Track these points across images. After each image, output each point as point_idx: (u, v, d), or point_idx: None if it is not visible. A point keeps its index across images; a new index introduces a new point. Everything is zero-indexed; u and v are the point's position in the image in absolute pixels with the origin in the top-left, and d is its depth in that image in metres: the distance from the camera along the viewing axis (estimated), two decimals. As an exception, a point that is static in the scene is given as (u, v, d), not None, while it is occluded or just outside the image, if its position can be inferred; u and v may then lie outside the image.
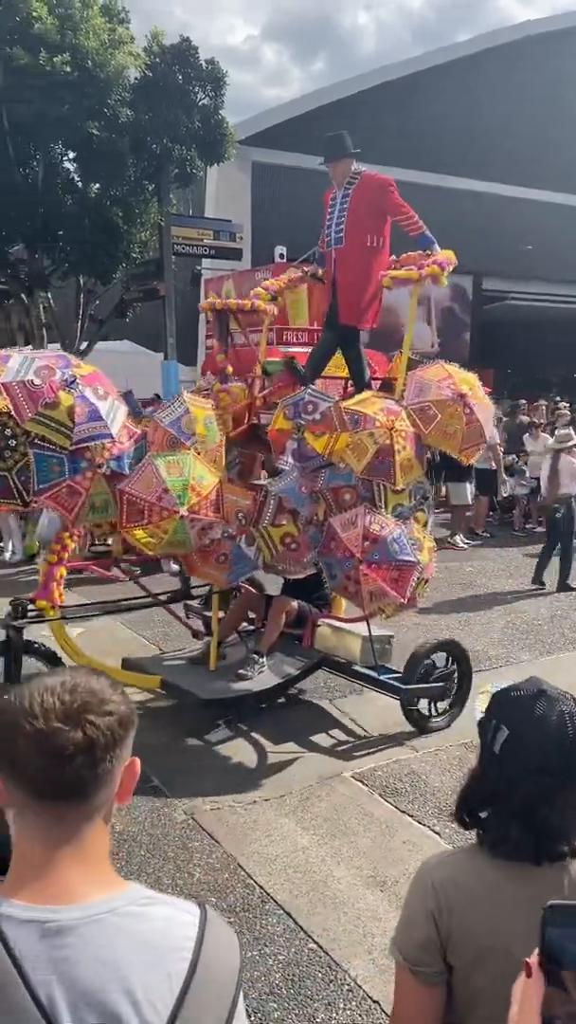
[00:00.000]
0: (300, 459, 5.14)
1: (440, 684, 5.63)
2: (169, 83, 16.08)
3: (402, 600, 4.84)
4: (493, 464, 12.28)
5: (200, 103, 16.64)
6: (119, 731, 1.16)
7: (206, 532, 4.94)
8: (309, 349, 20.41)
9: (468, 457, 5.25)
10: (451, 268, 5.42)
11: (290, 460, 5.20)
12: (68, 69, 14.49)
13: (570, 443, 9.66)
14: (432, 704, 5.65)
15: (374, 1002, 3.17)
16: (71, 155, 16.31)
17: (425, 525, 5.22)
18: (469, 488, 12.10)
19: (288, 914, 3.70)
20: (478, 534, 12.43)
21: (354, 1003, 3.18)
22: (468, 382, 5.20)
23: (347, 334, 5.95)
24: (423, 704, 5.61)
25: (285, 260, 19.80)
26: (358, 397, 5.24)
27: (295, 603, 5.94)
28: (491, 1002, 1.39)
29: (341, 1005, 3.17)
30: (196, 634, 6.42)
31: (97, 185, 16.60)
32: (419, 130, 25.41)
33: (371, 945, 3.49)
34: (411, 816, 4.54)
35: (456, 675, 5.71)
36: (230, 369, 6.33)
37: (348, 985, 3.26)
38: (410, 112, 25.34)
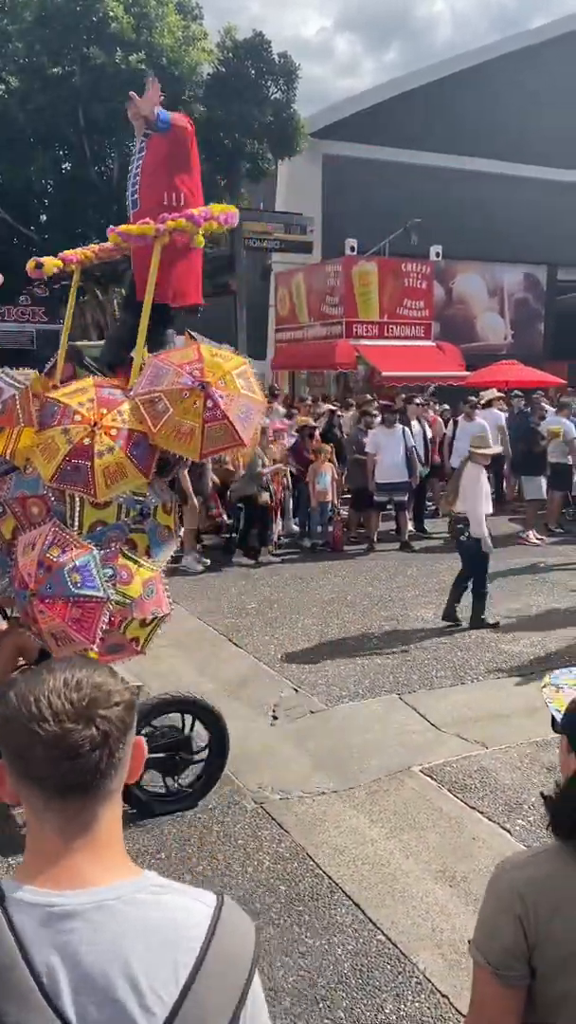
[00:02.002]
0: None
1: (165, 754, 4.41)
2: (242, 78, 16.19)
3: (87, 644, 3.72)
4: (570, 458, 12.01)
5: (272, 97, 16.73)
6: (127, 718, 1.18)
7: None
8: (380, 343, 20.29)
9: (223, 458, 4.13)
10: (218, 225, 4.23)
11: None
12: (143, 67, 14.71)
13: (484, 449, 7.88)
14: (166, 779, 4.47)
15: (442, 996, 3.16)
16: (145, 152, 16.53)
17: (148, 551, 4.06)
18: (543, 483, 11.87)
19: (357, 905, 3.72)
20: (552, 530, 12.19)
21: (423, 996, 3.17)
22: (220, 368, 4.00)
23: (152, 313, 4.46)
24: (153, 778, 4.43)
25: (356, 253, 19.74)
26: (75, 384, 4.19)
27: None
28: (575, 1007, 1.37)
29: (409, 997, 3.17)
30: None
31: (170, 181, 16.82)
32: (492, 119, 24.94)
33: (440, 940, 3.48)
34: (481, 812, 4.50)
35: (200, 742, 4.55)
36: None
37: (416, 978, 3.26)
38: (483, 101, 24.89)
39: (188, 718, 4.52)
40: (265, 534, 10.35)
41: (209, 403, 3.86)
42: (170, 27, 15.29)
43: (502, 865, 1.54)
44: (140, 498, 4.00)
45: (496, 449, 8.68)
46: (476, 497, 7.55)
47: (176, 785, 4.50)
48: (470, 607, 7.74)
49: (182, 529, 10.61)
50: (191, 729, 4.52)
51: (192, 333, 4.58)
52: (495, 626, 7.68)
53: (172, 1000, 1.06)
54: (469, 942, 1.53)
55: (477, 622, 7.71)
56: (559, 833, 1.50)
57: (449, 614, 7.81)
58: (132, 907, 1.10)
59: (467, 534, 7.63)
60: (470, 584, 7.74)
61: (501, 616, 8.01)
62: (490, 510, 7.81)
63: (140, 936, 1.08)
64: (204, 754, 4.58)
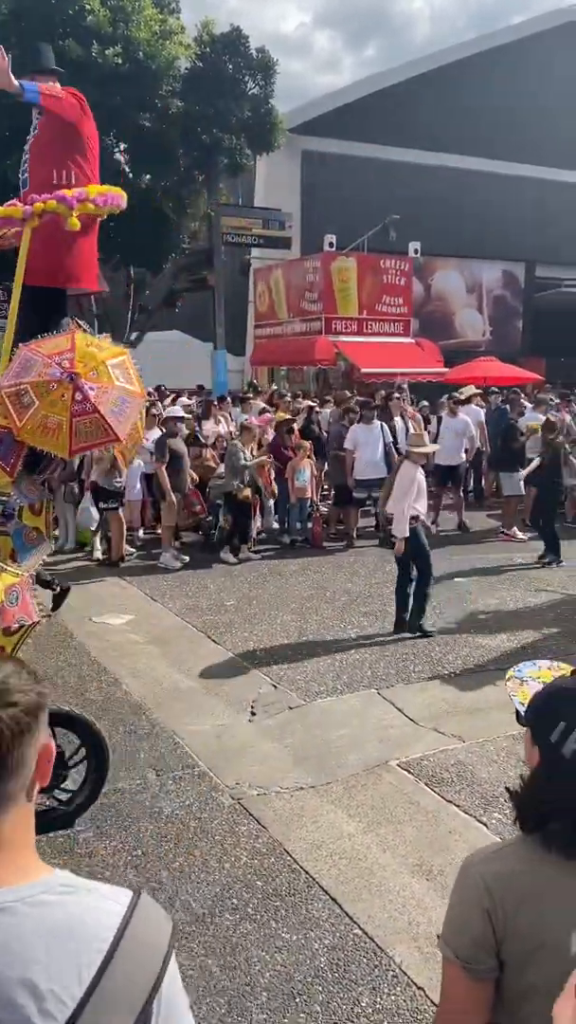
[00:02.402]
0: None
1: None
2: (219, 73, 16.12)
3: None
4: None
5: (250, 92, 16.66)
6: (26, 720, 1.15)
7: None
8: (358, 339, 20.30)
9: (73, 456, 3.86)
10: (95, 207, 4.03)
11: None
12: (119, 61, 14.61)
13: (421, 448, 7.66)
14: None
15: (418, 988, 3.18)
16: (122, 146, 16.44)
17: (14, 554, 3.87)
18: (519, 478, 11.94)
19: (333, 900, 3.72)
20: (529, 526, 12.25)
21: (399, 989, 3.19)
22: (93, 358, 3.73)
23: (49, 299, 4.31)
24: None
25: (335, 249, 19.74)
26: None
27: None
28: (543, 998, 1.36)
29: (386, 990, 3.18)
30: None
31: (148, 176, 16.74)
32: (471, 116, 25.04)
33: (416, 933, 3.50)
34: (457, 806, 4.53)
35: (80, 758, 4.32)
36: None
37: (393, 971, 3.28)
38: (461, 98, 24.98)
39: (77, 733, 4.26)
40: (245, 531, 10.34)
41: (78, 396, 3.60)
42: (147, 21, 15.19)
43: (469, 859, 1.54)
44: (3, 498, 3.79)
45: (432, 447, 8.32)
46: (402, 495, 7.26)
47: (55, 801, 4.22)
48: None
49: (160, 527, 10.58)
50: (87, 746, 4.25)
51: (79, 322, 4.26)
52: (429, 635, 7.31)
53: (75, 1002, 1.03)
54: (438, 936, 1.54)
55: (414, 627, 7.38)
56: (524, 827, 1.50)
57: (400, 623, 7.47)
58: (35, 909, 1.08)
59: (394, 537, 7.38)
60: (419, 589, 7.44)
61: (479, 611, 8.06)
62: (423, 509, 7.52)
63: (42, 938, 1.06)
64: (83, 770, 4.30)
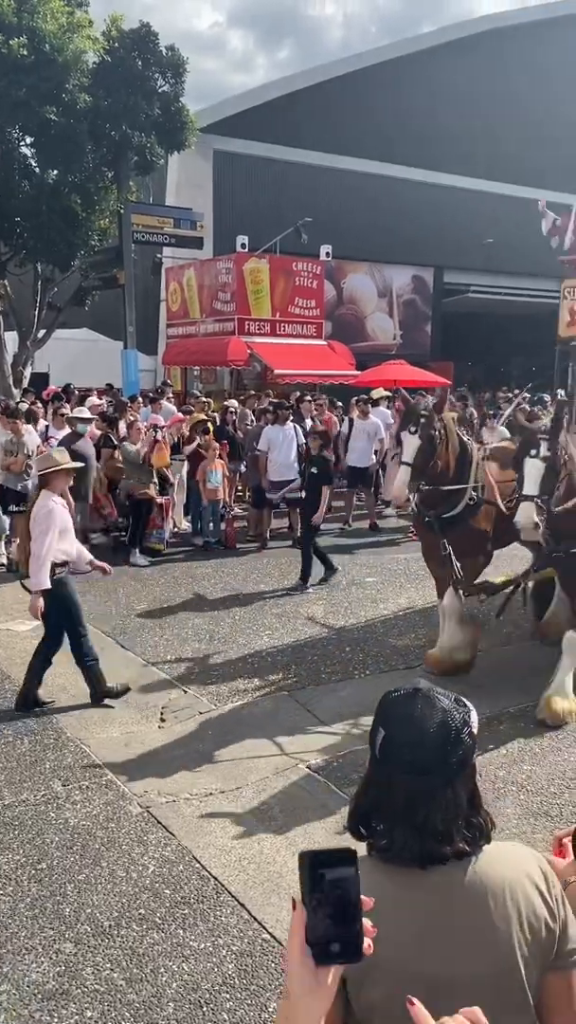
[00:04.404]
0: None
1: None
2: (128, 69, 15.89)
3: None
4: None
5: (160, 90, 16.47)
6: None
7: None
8: (271, 340, 20.35)
9: None
10: None
11: None
12: (25, 52, 14.24)
13: (46, 467, 5.78)
14: None
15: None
16: (28, 140, 16.03)
17: None
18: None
19: (242, 905, 3.71)
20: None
21: (306, 992, 3.19)
22: None
23: None
24: None
25: (247, 250, 19.72)
26: None
27: None
28: (384, 1019, 1.34)
29: (293, 995, 3.18)
30: None
31: (55, 171, 16.36)
32: (380, 122, 25.45)
33: (324, 934, 3.51)
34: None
35: None
36: None
37: (301, 975, 3.28)
38: (372, 104, 25.35)
39: None
40: (143, 529, 10.17)
41: None
42: (53, 12, 14.85)
43: None
44: None
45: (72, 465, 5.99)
46: (41, 534, 5.52)
47: None
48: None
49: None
50: None
51: None
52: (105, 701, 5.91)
53: None
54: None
55: (97, 698, 5.89)
56: (354, 835, 1.51)
57: (25, 702, 5.77)
58: None
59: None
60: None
61: (390, 612, 8.18)
62: (72, 552, 5.79)
63: None
64: None
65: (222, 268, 19.56)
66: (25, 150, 16.40)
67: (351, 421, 12.70)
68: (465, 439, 6.12)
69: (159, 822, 4.39)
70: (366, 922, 1.06)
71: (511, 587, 6.94)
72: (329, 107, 24.62)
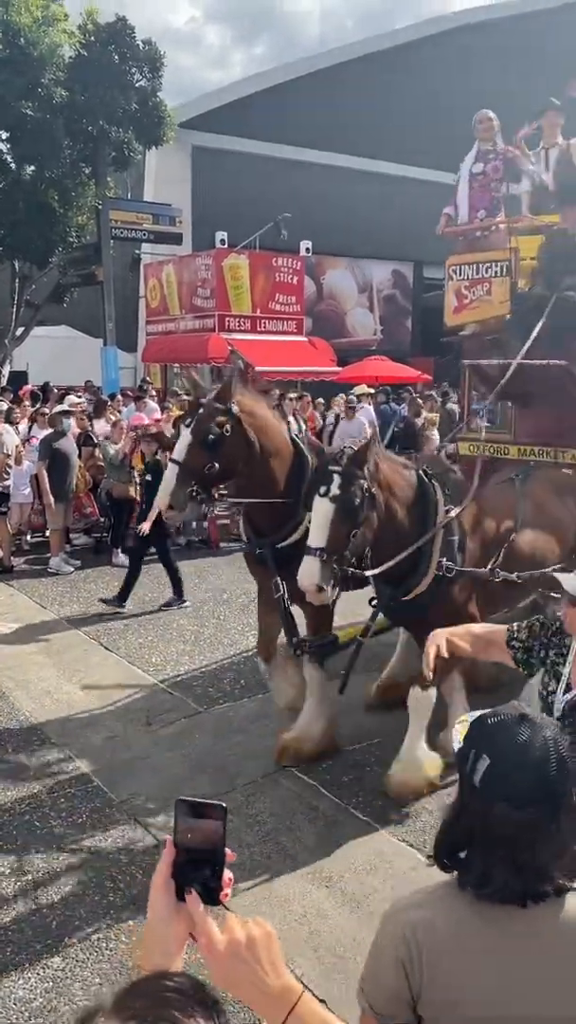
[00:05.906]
0: None
1: None
2: (105, 63, 15.74)
3: None
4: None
5: (137, 84, 16.34)
6: None
7: None
8: (251, 337, 20.26)
9: None
10: None
11: None
12: (0, 46, 14.06)
13: None
14: None
15: (320, 1001, 3.13)
16: (3, 135, 15.85)
17: None
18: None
19: (232, 912, 3.64)
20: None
21: (300, 1003, 3.14)
22: None
23: None
24: None
25: (226, 246, 19.61)
26: None
27: None
28: None
29: (287, 1006, 3.13)
30: None
31: (31, 167, 16.18)
32: (359, 117, 25.35)
33: (317, 943, 3.46)
34: (354, 808, 4.53)
35: None
36: None
37: (294, 985, 3.22)
38: (350, 98, 25.25)
39: None
40: (125, 528, 10.04)
41: None
42: (28, 6, 14.67)
43: (396, 904, 1.46)
44: None
45: None
46: None
47: None
48: None
49: (48, 531, 10.18)
50: None
51: None
52: None
53: None
54: (360, 983, 1.45)
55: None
56: (441, 867, 1.44)
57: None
58: None
59: None
60: None
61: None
62: None
63: None
64: None
65: (201, 264, 19.42)
66: (0, 145, 16.22)
67: (336, 417, 12.64)
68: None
69: (147, 830, 4.32)
70: (227, 874, 1.17)
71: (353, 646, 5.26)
72: (308, 102, 24.51)
